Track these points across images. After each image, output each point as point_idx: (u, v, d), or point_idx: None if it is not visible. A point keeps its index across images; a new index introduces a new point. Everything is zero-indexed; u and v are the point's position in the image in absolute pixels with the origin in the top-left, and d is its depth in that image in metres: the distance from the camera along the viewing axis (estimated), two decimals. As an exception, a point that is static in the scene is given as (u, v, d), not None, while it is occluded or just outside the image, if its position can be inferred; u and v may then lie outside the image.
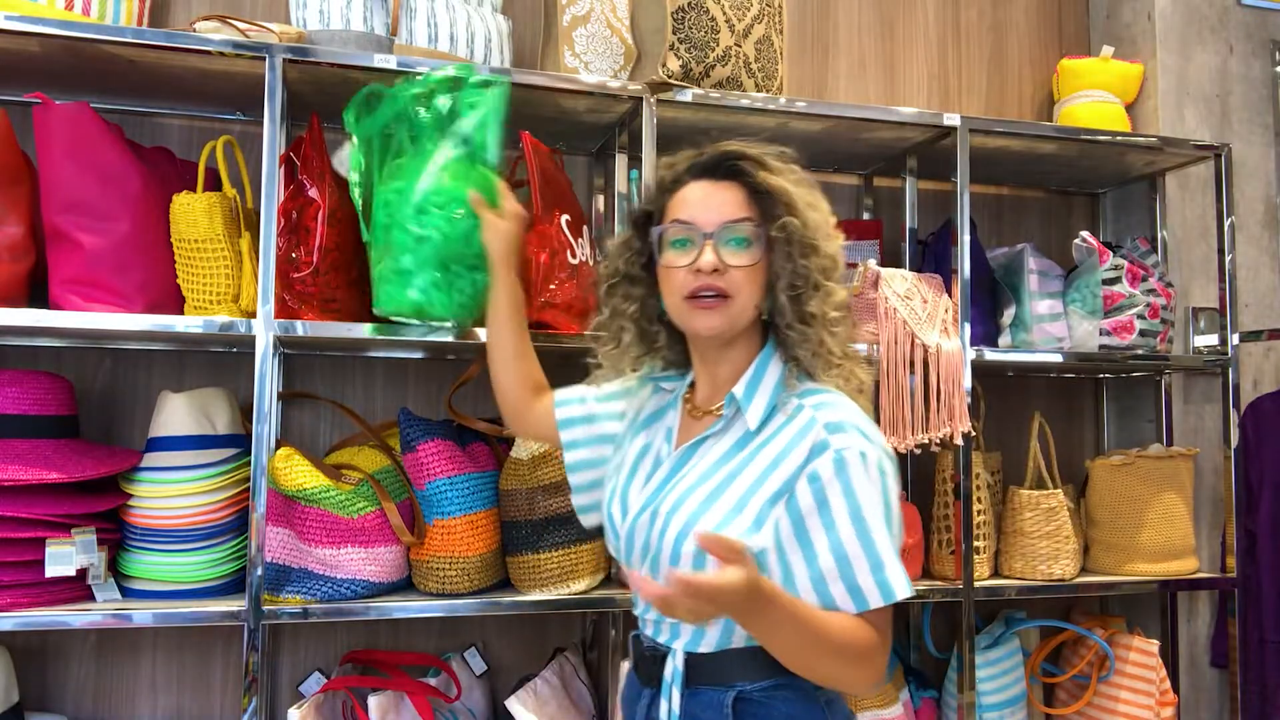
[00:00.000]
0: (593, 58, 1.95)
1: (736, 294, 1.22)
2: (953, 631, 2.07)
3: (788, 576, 1.16)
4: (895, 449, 1.84)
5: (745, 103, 1.89)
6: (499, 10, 2.04)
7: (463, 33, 1.88)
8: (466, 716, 1.89)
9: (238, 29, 1.72)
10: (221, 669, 1.95)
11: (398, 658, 1.94)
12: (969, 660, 1.98)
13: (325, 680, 1.89)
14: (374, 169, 1.63)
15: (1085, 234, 2.21)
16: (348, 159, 1.64)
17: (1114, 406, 2.54)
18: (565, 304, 1.77)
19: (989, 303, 2.19)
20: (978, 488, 2.10)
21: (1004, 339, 2.20)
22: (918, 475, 2.30)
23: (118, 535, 1.69)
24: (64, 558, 1.57)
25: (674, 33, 1.84)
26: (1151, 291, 2.18)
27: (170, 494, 1.66)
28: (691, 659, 1.22)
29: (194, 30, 1.70)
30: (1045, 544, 2.10)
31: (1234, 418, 2.24)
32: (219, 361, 1.97)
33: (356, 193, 1.63)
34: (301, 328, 1.65)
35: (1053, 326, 2.20)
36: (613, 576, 1.90)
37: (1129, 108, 2.46)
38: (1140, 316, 2.16)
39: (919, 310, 1.98)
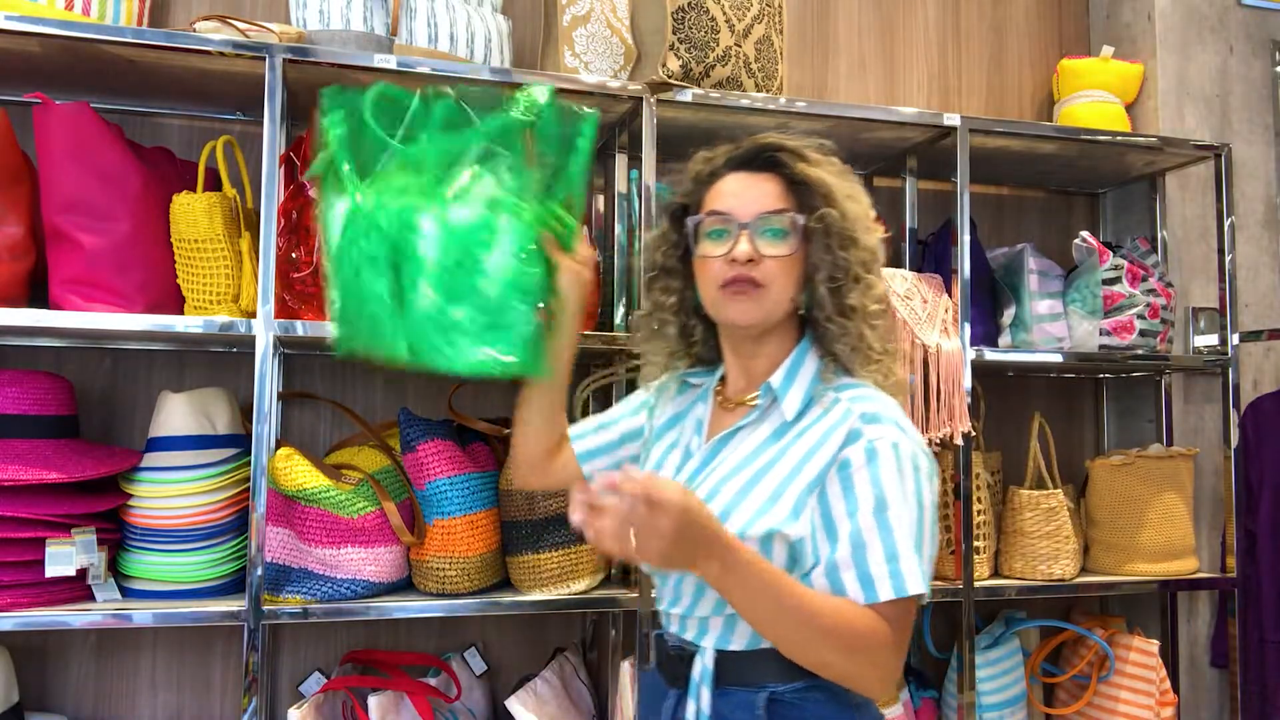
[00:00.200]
0: (593, 58, 1.95)
1: (771, 284, 1.21)
2: (953, 631, 2.07)
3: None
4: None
5: (745, 103, 1.89)
6: (499, 10, 2.04)
7: (463, 33, 1.88)
8: (466, 716, 1.89)
9: (238, 29, 1.72)
10: (221, 669, 1.95)
11: (398, 658, 1.94)
12: (969, 660, 1.98)
13: (325, 680, 1.89)
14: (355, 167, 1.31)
15: (1085, 234, 2.21)
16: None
17: (1114, 406, 2.54)
18: (565, 304, 1.77)
19: (989, 303, 2.19)
20: (978, 488, 2.10)
21: (1004, 339, 2.20)
22: (918, 475, 2.30)
23: (118, 535, 1.69)
24: (64, 558, 1.57)
25: (674, 33, 1.84)
26: (1151, 291, 2.18)
27: (170, 494, 1.66)
28: (722, 658, 1.19)
29: (194, 30, 1.70)
30: (1045, 544, 2.10)
31: (1234, 418, 2.24)
32: (219, 361, 1.97)
33: (351, 191, 1.24)
34: (301, 328, 1.65)
35: (1053, 326, 2.20)
36: (613, 577, 1.90)
37: (1129, 108, 2.46)
38: (1140, 316, 2.16)
39: (919, 310, 1.98)
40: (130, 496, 1.67)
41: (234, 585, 1.72)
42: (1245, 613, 2.25)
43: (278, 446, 1.73)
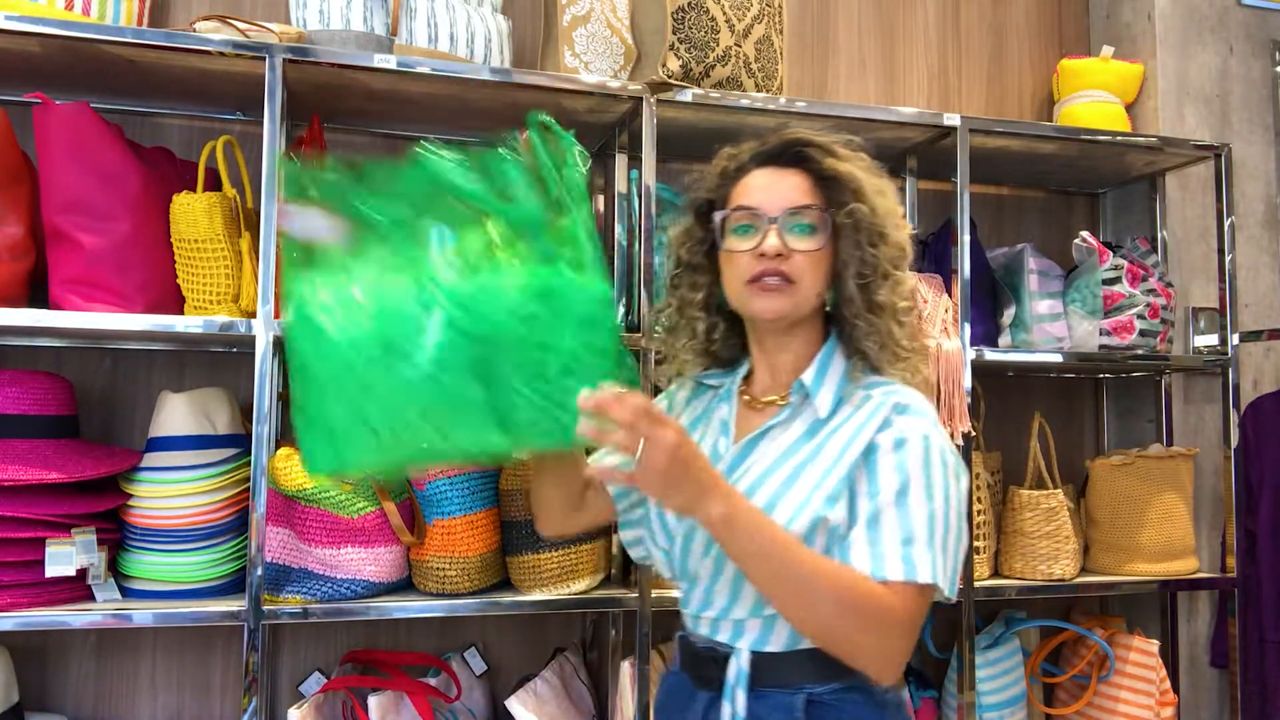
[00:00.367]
0: (593, 58, 1.95)
1: (800, 279, 1.20)
2: (953, 631, 2.07)
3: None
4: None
5: (745, 103, 1.89)
6: (499, 10, 2.04)
7: (463, 33, 1.88)
8: (466, 716, 1.89)
9: (238, 29, 1.72)
10: (221, 669, 1.95)
11: (398, 658, 1.94)
12: (969, 660, 1.98)
13: (325, 680, 1.89)
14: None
15: (1085, 234, 2.21)
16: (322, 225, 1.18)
17: (1114, 406, 2.54)
18: (565, 304, 1.77)
19: (989, 303, 2.19)
20: (978, 488, 2.10)
21: (1004, 339, 2.20)
22: (918, 475, 2.30)
23: (118, 535, 1.69)
24: (64, 558, 1.57)
25: (674, 33, 1.84)
26: (1151, 291, 2.18)
27: (170, 494, 1.66)
28: (757, 659, 1.18)
29: (194, 30, 1.70)
30: (1045, 544, 2.10)
31: (1234, 418, 2.24)
32: (219, 361, 1.97)
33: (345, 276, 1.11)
34: (301, 328, 1.65)
35: (1053, 326, 2.20)
36: (613, 577, 1.90)
37: (1129, 108, 2.46)
38: (1140, 316, 2.16)
39: (919, 310, 1.98)
40: (130, 496, 1.67)
41: (234, 585, 1.72)
42: (1245, 613, 2.25)
43: (278, 446, 1.73)
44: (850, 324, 1.23)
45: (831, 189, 1.22)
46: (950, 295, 2.06)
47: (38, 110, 1.58)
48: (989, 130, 2.08)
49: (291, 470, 1.65)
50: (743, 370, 1.33)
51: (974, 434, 2.02)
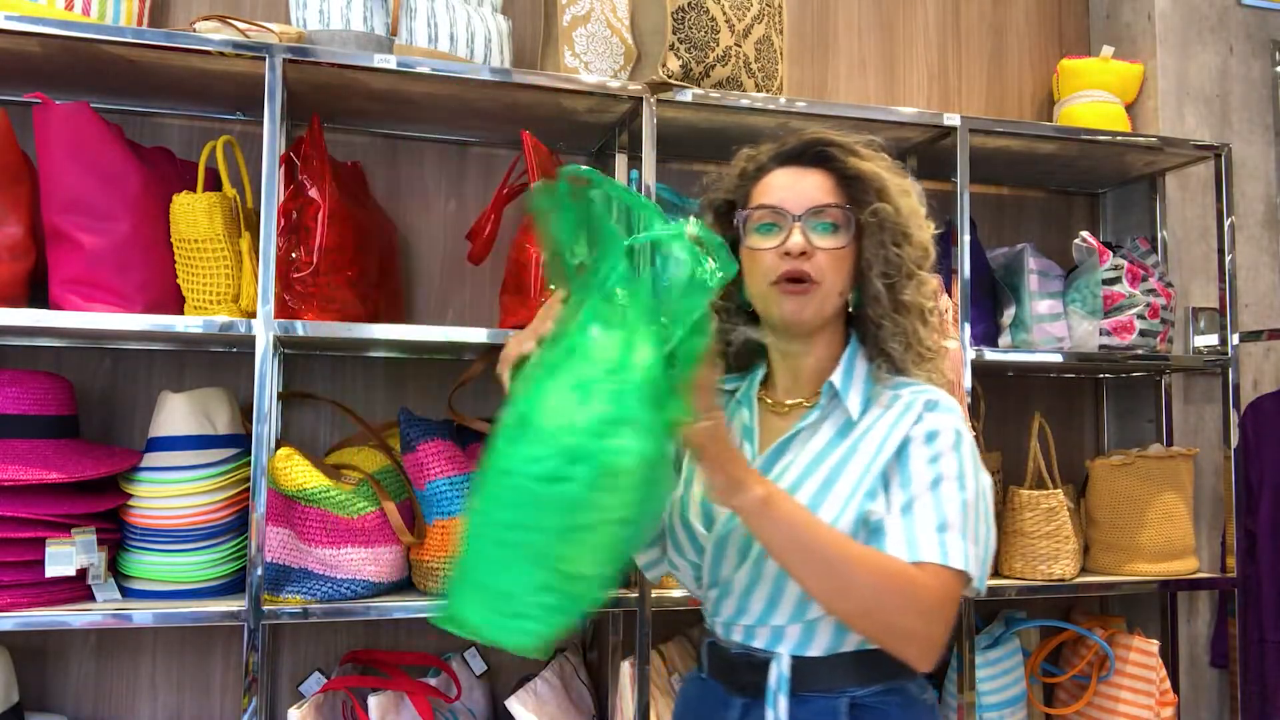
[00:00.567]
0: (593, 58, 1.95)
1: (823, 279, 1.19)
2: (953, 631, 2.07)
3: None
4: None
5: (745, 103, 1.89)
6: (499, 10, 2.04)
7: (463, 33, 1.88)
8: (466, 716, 1.89)
9: (238, 29, 1.72)
10: (221, 669, 1.95)
11: (398, 658, 1.94)
12: (969, 660, 1.98)
13: (325, 680, 1.89)
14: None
15: (1085, 234, 2.21)
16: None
17: (1114, 406, 2.54)
18: (565, 304, 1.77)
19: (989, 303, 2.19)
20: (978, 488, 2.10)
21: (1004, 339, 2.20)
22: (918, 475, 2.30)
23: (118, 535, 1.69)
24: (64, 558, 1.57)
25: (674, 33, 1.84)
26: (1151, 291, 2.18)
27: (170, 494, 1.66)
28: (798, 664, 1.17)
29: (194, 30, 1.70)
30: (1045, 544, 2.10)
31: (1234, 418, 2.24)
32: (219, 361, 1.97)
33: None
34: (301, 328, 1.65)
35: (1053, 326, 2.20)
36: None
37: (1129, 108, 2.46)
38: (1140, 316, 2.16)
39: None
40: (130, 496, 1.67)
41: (234, 585, 1.72)
42: (1245, 613, 2.25)
43: (278, 446, 1.73)
44: (875, 325, 1.22)
45: (855, 188, 1.22)
46: (950, 295, 2.06)
47: (38, 110, 1.58)
48: (989, 130, 2.08)
49: (291, 470, 1.65)
50: (759, 374, 1.32)
51: (974, 434, 2.01)
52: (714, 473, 1.06)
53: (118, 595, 1.66)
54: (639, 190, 1.86)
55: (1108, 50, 2.43)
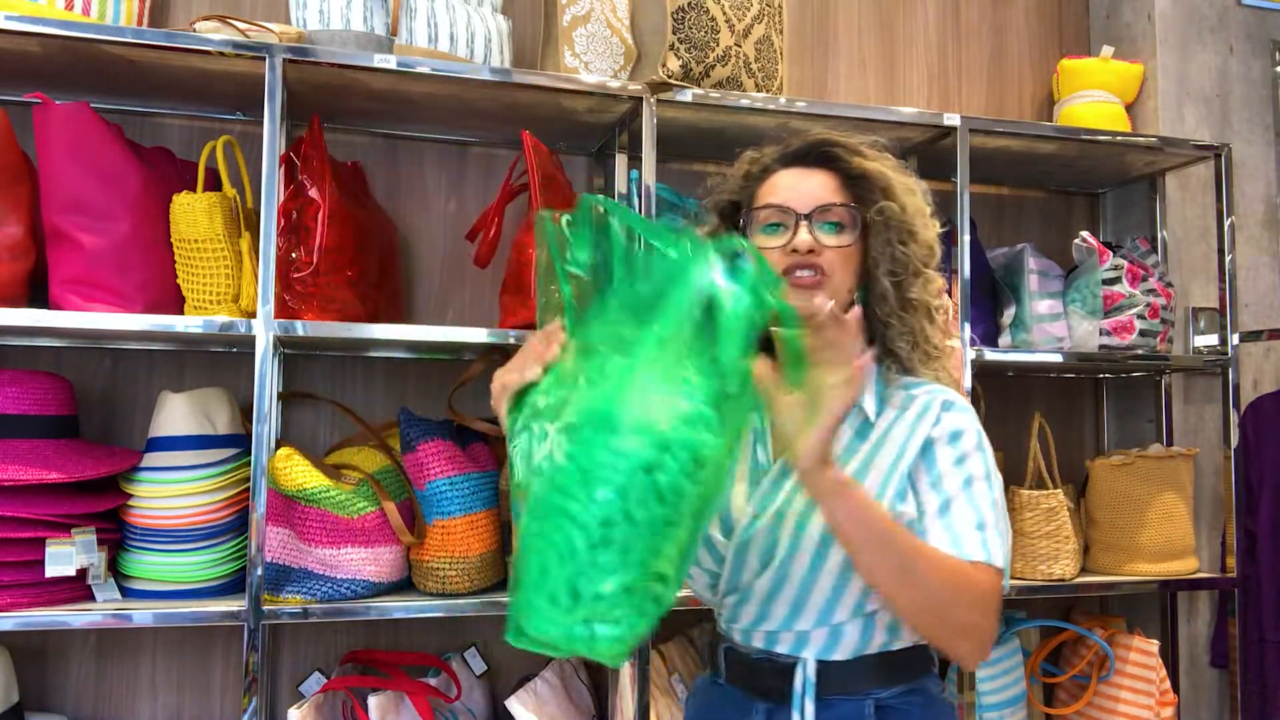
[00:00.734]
0: (593, 58, 1.95)
1: (832, 274, 1.19)
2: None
3: None
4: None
5: (745, 103, 1.89)
6: (499, 10, 2.04)
7: (463, 33, 1.88)
8: (466, 716, 1.89)
9: (238, 29, 1.72)
10: (221, 669, 1.95)
11: (398, 658, 1.94)
12: (969, 660, 1.98)
13: (325, 680, 1.89)
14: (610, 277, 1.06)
15: (1085, 234, 2.21)
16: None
17: (1114, 406, 2.54)
18: (565, 304, 1.77)
19: (989, 303, 2.19)
20: (978, 488, 2.10)
21: (1004, 339, 2.20)
22: (918, 475, 2.30)
23: (118, 535, 1.69)
24: (64, 558, 1.57)
25: (674, 33, 1.84)
26: (1151, 291, 2.18)
27: (170, 494, 1.66)
28: (823, 668, 1.18)
29: (194, 30, 1.70)
30: (1045, 544, 2.10)
31: (1234, 418, 2.24)
32: (219, 361, 1.97)
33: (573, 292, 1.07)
34: (301, 328, 1.65)
35: (1053, 326, 2.20)
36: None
37: (1129, 108, 2.46)
38: (1140, 316, 2.16)
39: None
40: (130, 496, 1.67)
41: (234, 585, 1.72)
42: (1245, 613, 2.25)
43: (278, 446, 1.73)
44: (883, 323, 1.23)
45: (860, 187, 1.23)
46: (950, 295, 2.06)
47: (38, 110, 1.58)
48: (989, 130, 2.08)
49: (291, 470, 1.65)
50: None
51: (974, 434, 2.02)
52: (816, 440, 1.02)
53: (118, 595, 1.66)
54: (639, 190, 1.86)
55: (1108, 50, 2.43)
